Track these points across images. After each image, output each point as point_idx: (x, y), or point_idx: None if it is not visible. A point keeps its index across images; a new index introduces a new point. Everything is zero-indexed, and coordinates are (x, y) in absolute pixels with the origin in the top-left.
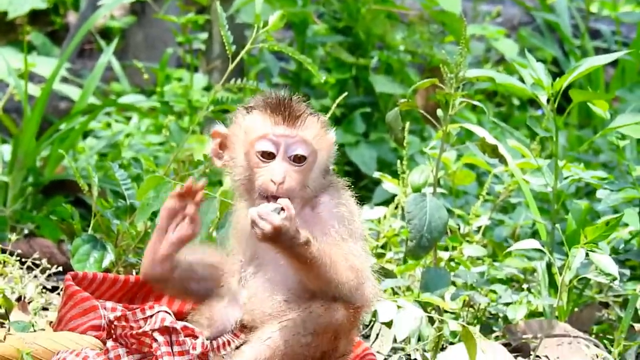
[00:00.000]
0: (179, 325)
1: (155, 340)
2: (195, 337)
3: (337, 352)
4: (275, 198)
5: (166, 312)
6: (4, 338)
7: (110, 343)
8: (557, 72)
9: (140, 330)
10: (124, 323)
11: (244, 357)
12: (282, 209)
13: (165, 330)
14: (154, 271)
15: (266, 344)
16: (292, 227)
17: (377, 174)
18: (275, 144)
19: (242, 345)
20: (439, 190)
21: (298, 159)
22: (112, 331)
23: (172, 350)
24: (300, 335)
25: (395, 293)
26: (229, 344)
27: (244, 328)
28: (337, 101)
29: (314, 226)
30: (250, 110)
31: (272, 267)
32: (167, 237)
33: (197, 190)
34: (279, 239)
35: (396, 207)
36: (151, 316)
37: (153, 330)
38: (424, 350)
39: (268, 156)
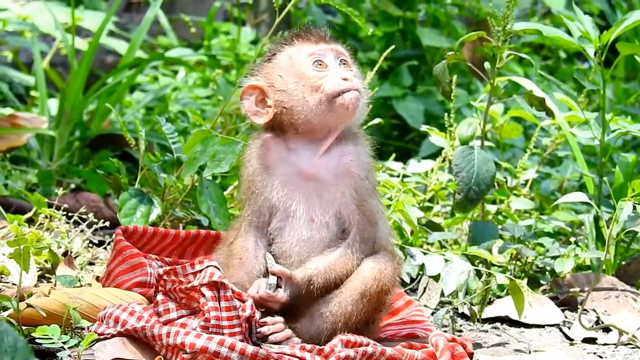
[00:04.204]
0: (227, 280)
1: (203, 295)
2: (243, 300)
3: (384, 307)
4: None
5: (215, 267)
6: (49, 292)
7: (160, 297)
8: (603, 25)
9: (189, 285)
10: (173, 277)
11: (304, 333)
12: (279, 277)
13: (214, 285)
14: None
15: (325, 317)
16: (293, 288)
17: (424, 127)
18: (325, 57)
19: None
20: (486, 143)
21: (347, 65)
22: (162, 286)
23: (219, 305)
24: (358, 303)
25: (442, 246)
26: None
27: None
28: (385, 54)
29: (343, 177)
30: (281, 48)
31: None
32: None
33: None
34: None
35: (443, 160)
36: (200, 271)
37: (201, 285)
38: (472, 304)
39: (322, 67)
